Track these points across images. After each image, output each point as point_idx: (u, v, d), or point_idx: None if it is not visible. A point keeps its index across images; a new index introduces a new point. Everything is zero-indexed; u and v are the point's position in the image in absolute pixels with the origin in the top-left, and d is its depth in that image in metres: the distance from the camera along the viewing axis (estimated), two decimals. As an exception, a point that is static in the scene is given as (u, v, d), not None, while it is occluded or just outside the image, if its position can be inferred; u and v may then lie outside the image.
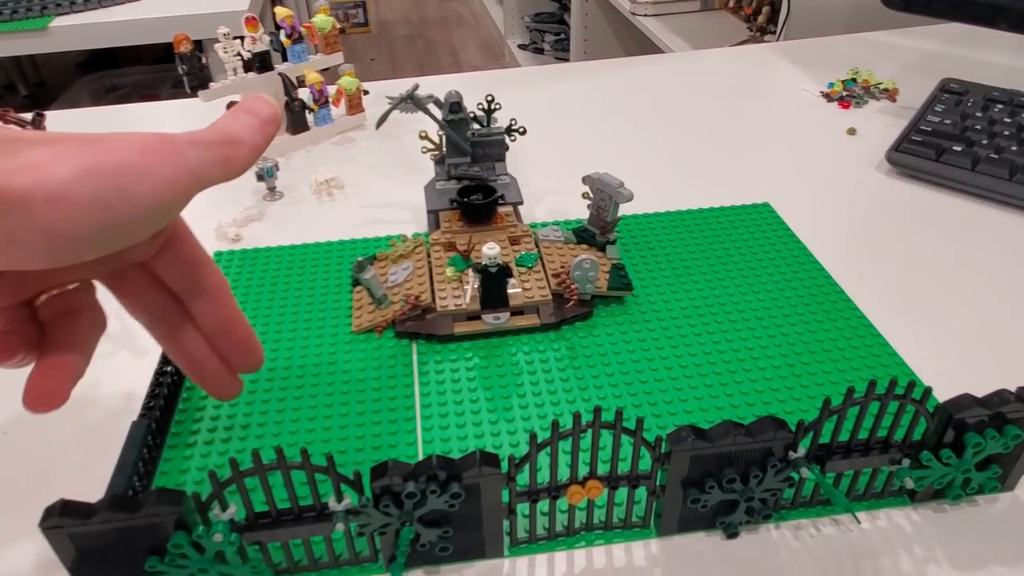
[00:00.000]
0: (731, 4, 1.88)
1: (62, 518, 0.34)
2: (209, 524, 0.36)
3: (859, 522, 0.42)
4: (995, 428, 0.39)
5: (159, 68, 1.75)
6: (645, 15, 1.87)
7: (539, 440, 0.36)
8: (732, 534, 0.41)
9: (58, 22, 1.26)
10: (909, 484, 0.40)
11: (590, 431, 0.37)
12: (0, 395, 0.52)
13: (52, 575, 0.40)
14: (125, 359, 0.55)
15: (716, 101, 0.92)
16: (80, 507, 0.35)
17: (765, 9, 1.72)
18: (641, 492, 0.40)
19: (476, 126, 0.64)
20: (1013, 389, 0.39)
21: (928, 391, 0.38)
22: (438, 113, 0.61)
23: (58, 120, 0.89)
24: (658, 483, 0.39)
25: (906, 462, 0.40)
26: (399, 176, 0.77)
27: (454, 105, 0.61)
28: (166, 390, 0.49)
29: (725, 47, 1.08)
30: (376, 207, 0.72)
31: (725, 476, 0.38)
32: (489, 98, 0.64)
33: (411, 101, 0.59)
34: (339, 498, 0.37)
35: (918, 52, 1.03)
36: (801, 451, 0.39)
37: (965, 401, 0.39)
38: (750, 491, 0.39)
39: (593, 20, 2.40)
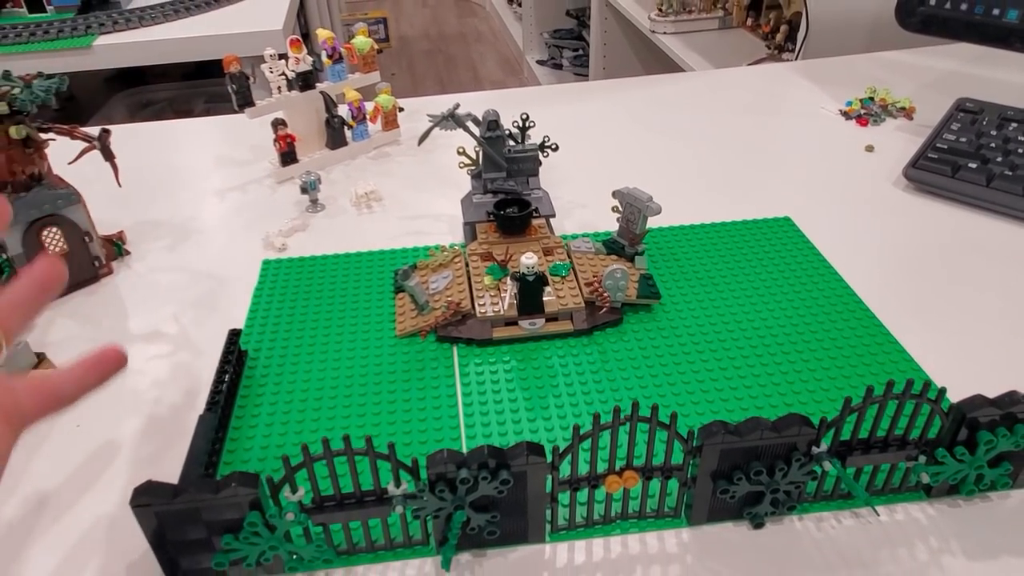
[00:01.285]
0: (749, 23, 1.92)
1: (150, 496, 0.38)
2: (280, 505, 0.39)
3: (878, 515, 0.44)
4: (1006, 427, 0.42)
5: (192, 84, 1.81)
6: (664, 33, 1.91)
7: (581, 432, 0.40)
8: (758, 524, 0.44)
9: (101, 41, 1.32)
10: (925, 479, 0.43)
11: (627, 424, 0.40)
12: (73, 391, 0.56)
13: (134, 550, 0.44)
14: (185, 360, 0.59)
15: (737, 118, 0.95)
16: (166, 487, 0.38)
17: (783, 28, 1.75)
18: (673, 483, 0.43)
19: (511, 143, 0.68)
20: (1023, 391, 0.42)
21: (942, 391, 0.41)
22: (476, 130, 0.65)
23: (119, 136, 0.94)
24: (689, 475, 0.42)
25: (922, 458, 0.43)
26: (434, 189, 0.81)
27: (492, 123, 0.64)
28: (226, 387, 0.53)
29: (744, 65, 1.11)
30: (413, 219, 0.76)
31: (752, 468, 0.41)
32: (524, 116, 0.68)
33: (452, 119, 0.63)
34: (398, 484, 0.40)
35: (935, 71, 1.06)
36: (824, 446, 0.42)
37: (978, 401, 0.41)
38: (775, 483, 0.42)
39: (612, 37, 2.44)
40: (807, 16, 1.22)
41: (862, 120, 0.93)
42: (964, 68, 1.07)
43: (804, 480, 0.42)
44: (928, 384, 0.40)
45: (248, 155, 0.90)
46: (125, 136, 0.97)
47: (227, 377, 0.53)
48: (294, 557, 0.41)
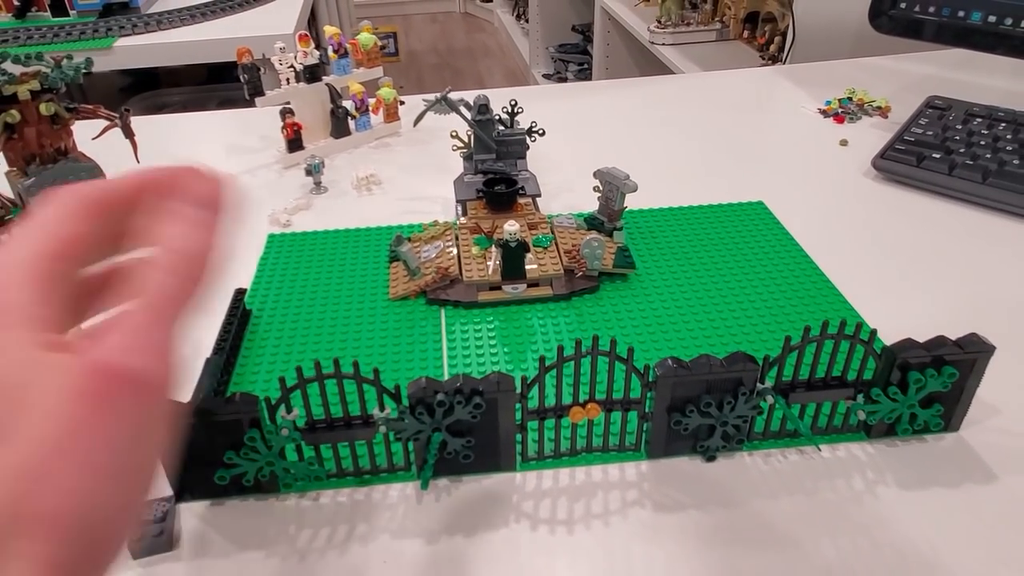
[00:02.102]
0: (745, 35, 1.98)
1: (162, 412, 0.42)
2: (277, 424, 0.44)
3: (820, 450, 0.49)
4: (934, 368, 0.46)
5: (205, 88, 1.88)
6: (663, 44, 1.97)
7: (547, 363, 0.44)
8: (710, 457, 0.48)
9: (121, 42, 1.38)
10: (862, 416, 0.47)
11: (589, 357, 0.45)
12: (91, 341, 0.61)
13: (142, 475, 0.48)
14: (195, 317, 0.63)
15: (721, 115, 1.00)
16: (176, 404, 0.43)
17: (777, 39, 1.81)
18: (633, 417, 0.48)
19: (501, 127, 0.73)
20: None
21: (874, 333, 0.45)
22: (468, 114, 0.70)
23: (139, 128, 0.99)
24: (647, 408, 0.47)
25: (860, 398, 0.47)
26: (430, 175, 0.86)
27: (482, 107, 0.70)
28: (231, 336, 0.57)
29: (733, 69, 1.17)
30: (410, 200, 0.81)
31: (703, 402, 0.45)
32: (512, 102, 0.73)
33: (444, 102, 0.68)
34: (381, 408, 0.45)
35: (914, 75, 1.11)
36: (768, 384, 0.46)
37: (907, 344, 0.46)
38: (724, 416, 0.46)
39: (614, 50, 2.51)
40: (794, 23, 1.27)
41: (839, 118, 0.98)
42: (941, 72, 1.12)
43: (751, 414, 0.47)
44: (860, 325, 0.45)
45: (258, 144, 0.95)
46: (144, 126, 1.03)
47: (232, 327, 0.58)
48: (288, 474, 0.45)
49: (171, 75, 2.32)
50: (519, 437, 0.47)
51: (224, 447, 0.44)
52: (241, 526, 0.45)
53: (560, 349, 0.44)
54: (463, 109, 0.70)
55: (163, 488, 0.46)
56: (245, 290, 0.62)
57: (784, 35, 1.81)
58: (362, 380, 0.44)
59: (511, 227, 0.60)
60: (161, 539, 0.43)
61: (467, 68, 4.01)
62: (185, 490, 0.46)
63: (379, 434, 0.46)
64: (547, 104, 1.05)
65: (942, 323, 0.60)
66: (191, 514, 0.46)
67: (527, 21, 3.87)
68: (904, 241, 0.71)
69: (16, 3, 1.51)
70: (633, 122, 1.00)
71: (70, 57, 0.67)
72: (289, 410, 0.44)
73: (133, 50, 1.38)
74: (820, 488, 0.46)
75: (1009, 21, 0.84)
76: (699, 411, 0.46)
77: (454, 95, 0.70)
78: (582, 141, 0.94)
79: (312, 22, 2.05)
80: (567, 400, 0.46)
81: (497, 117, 0.72)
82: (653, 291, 0.64)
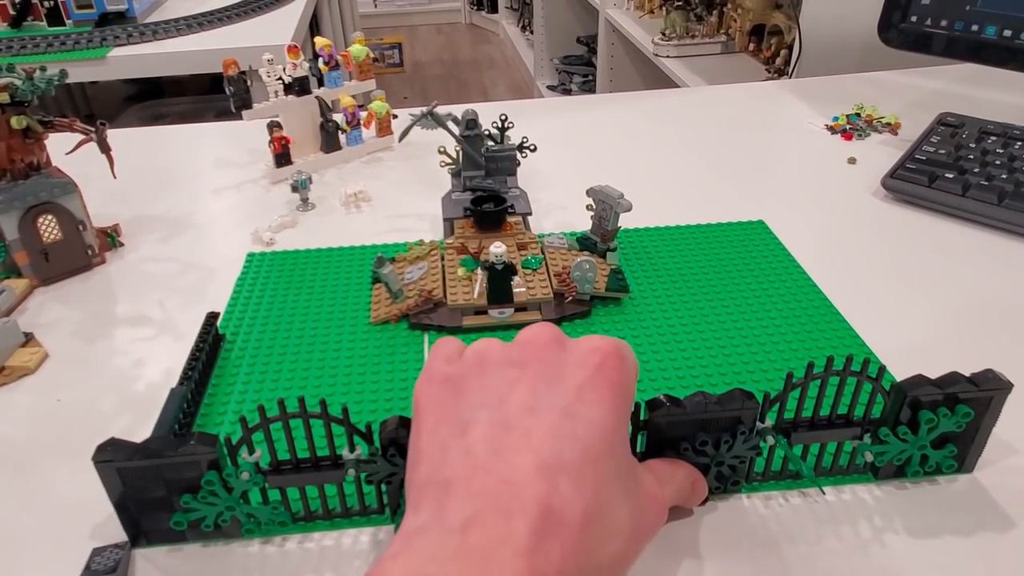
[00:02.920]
0: (751, 47, 1.95)
1: (113, 452, 0.39)
2: (238, 466, 0.41)
3: (824, 493, 0.45)
4: (947, 407, 0.42)
5: (203, 99, 1.87)
6: (667, 56, 1.94)
7: (529, 401, 0.41)
8: (704, 499, 0.45)
9: (115, 52, 1.36)
10: (869, 458, 0.44)
11: (574, 395, 0.41)
12: (55, 367, 0.58)
13: (98, 513, 0.45)
14: (166, 342, 0.61)
15: (724, 130, 0.97)
16: (129, 445, 0.40)
17: (783, 52, 1.78)
18: (622, 457, 0.44)
19: (491, 143, 0.70)
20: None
21: (882, 369, 0.42)
22: (455, 129, 0.67)
23: (116, 137, 0.97)
24: (638, 448, 0.43)
25: (867, 438, 0.44)
26: (421, 192, 0.83)
27: (470, 122, 0.67)
28: (201, 365, 0.54)
29: (737, 83, 1.14)
30: (399, 217, 0.78)
31: (698, 439, 0.42)
32: (503, 117, 0.70)
33: (431, 117, 0.65)
34: (351, 448, 0.42)
35: (924, 90, 1.08)
36: (768, 423, 0.43)
37: (918, 380, 0.42)
38: (720, 456, 0.43)
39: (618, 62, 2.48)
40: (800, 37, 1.24)
41: (847, 135, 0.95)
42: (951, 88, 1.09)
43: (749, 455, 0.43)
44: (868, 361, 0.42)
45: (246, 158, 0.93)
46: (131, 139, 1.01)
47: (202, 355, 0.55)
48: (251, 519, 0.42)
49: (175, 85, 2.31)
50: (500, 478, 0.44)
51: (181, 490, 0.41)
52: (199, 574, 0.42)
53: (542, 386, 0.41)
54: (451, 124, 0.67)
55: (117, 534, 0.43)
56: (218, 314, 0.59)
57: (790, 48, 1.78)
58: (330, 419, 0.40)
59: (497, 249, 0.57)
60: (111, 589, 0.40)
61: (472, 79, 3.99)
62: (140, 535, 0.43)
63: (349, 476, 0.42)
64: (545, 118, 1.03)
65: (954, 354, 0.56)
66: (146, 561, 0.43)
67: (532, 33, 3.86)
68: (914, 265, 0.68)
69: (12, 12, 1.49)
70: (632, 137, 0.97)
71: (43, 68, 0.64)
72: (251, 451, 0.41)
73: (128, 60, 1.36)
74: (824, 535, 0.43)
75: None
76: (694, 449, 0.42)
77: (442, 110, 0.67)
78: (579, 156, 0.91)
79: (314, 33, 2.04)
80: (551, 439, 0.43)
81: (487, 132, 0.70)
82: (648, 316, 0.61)
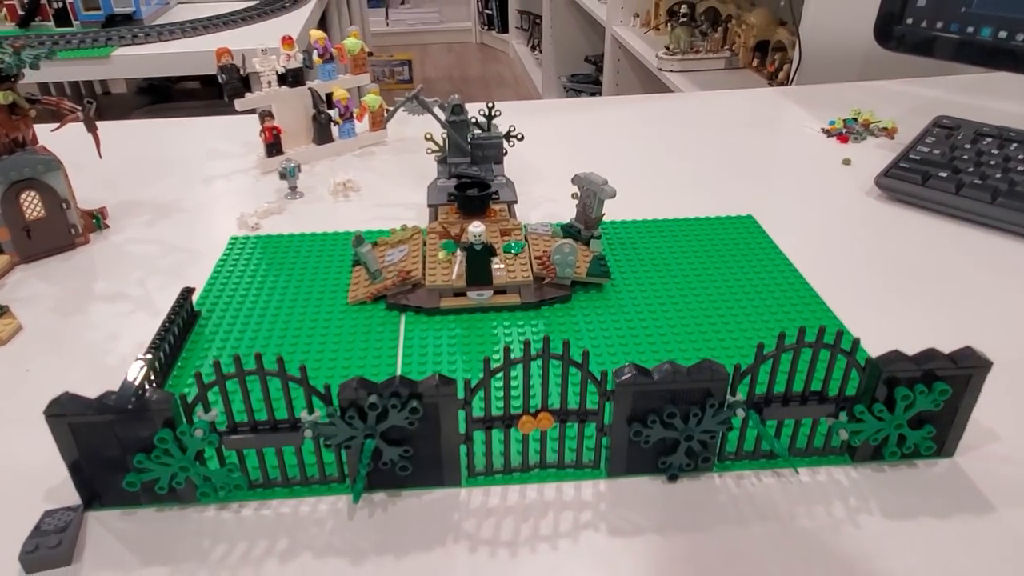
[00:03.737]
0: (755, 63, 1.95)
1: (65, 407, 0.39)
2: (192, 423, 0.40)
3: (798, 473, 0.44)
4: (924, 384, 0.41)
5: (210, 103, 1.88)
6: (671, 71, 1.94)
7: (492, 366, 0.40)
8: (672, 476, 0.43)
9: (119, 52, 1.38)
10: (844, 436, 0.43)
11: (540, 362, 0.40)
12: (28, 339, 0.58)
13: (54, 477, 0.44)
14: (141, 318, 0.60)
15: (719, 132, 0.97)
16: (83, 400, 0.39)
17: (786, 67, 1.78)
18: (591, 430, 0.43)
19: (477, 131, 0.70)
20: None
21: (856, 342, 0.41)
22: (441, 115, 0.67)
23: (114, 129, 0.98)
24: (605, 420, 0.42)
25: (843, 416, 0.43)
26: (411, 184, 0.83)
27: (456, 108, 0.67)
28: (173, 337, 0.54)
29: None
30: (386, 206, 0.78)
31: (666, 411, 0.41)
32: (490, 105, 0.70)
33: (416, 101, 0.65)
34: (310, 411, 0.41)
35: (922, 98, 1.07)
36: (739, 396, 0.42)
37: (894, 356, 0.41)
38: (690, 430, 0.41)
39: (624, 78, 2.49)
40: (800, 46, 1.24)
41: (843, 137, 0.94)
42: (950, 96, 1.08)
43: (719, 430, 0.42)
44: (841, 333, 0.40)
45: (240, 150, 0.93)
46: (128, 130, 1.02)
47: (173, 327, 0.54)
48: (206, 482, 0.41)
49: (186, 96, 2.33)
50: (464, 449, 0.43)
51: (135, 449, 0.40)
52: (151, 538, 0.41)
53: (507, 350, 0.40)
54: (436, 110, 0.67)
55: (73, 497, 0.42)
56: (193, 289, 0.58)
57: (790, 73, 1.78)
58: (288, 379, 0.40)
59: (475, 228, 0.56)
60: (58, 551, 0.39)
61: (480, 96, 4.02)
62: (95, 497, 0.42)
63: (309, 440, 0.41)
64: (545, 118, 1.02)
65: (939, 344, 0.55)
66: (99, 524, 0.42)
67: (541, 51, 3.89)
68: (905, 261, 0.67)
69: (20, 12, 1.51)
70: (629, 137, 0.96)
71: (32, 45, 0.65)
72: (207, 409, 0.40)
73: (131, 59, 1.38)
74: (796, 514, 0.42)
75: (1021, 37, 0.80)
76: (662, 422, 0.41)
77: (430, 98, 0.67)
78: (575, 154, 0.91)
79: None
80: (517, 408, 0.42)
81: (474, 120, 0.69)
82: (629, 302, 0.60)
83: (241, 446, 0.41)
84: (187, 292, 0.58)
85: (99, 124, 0.74)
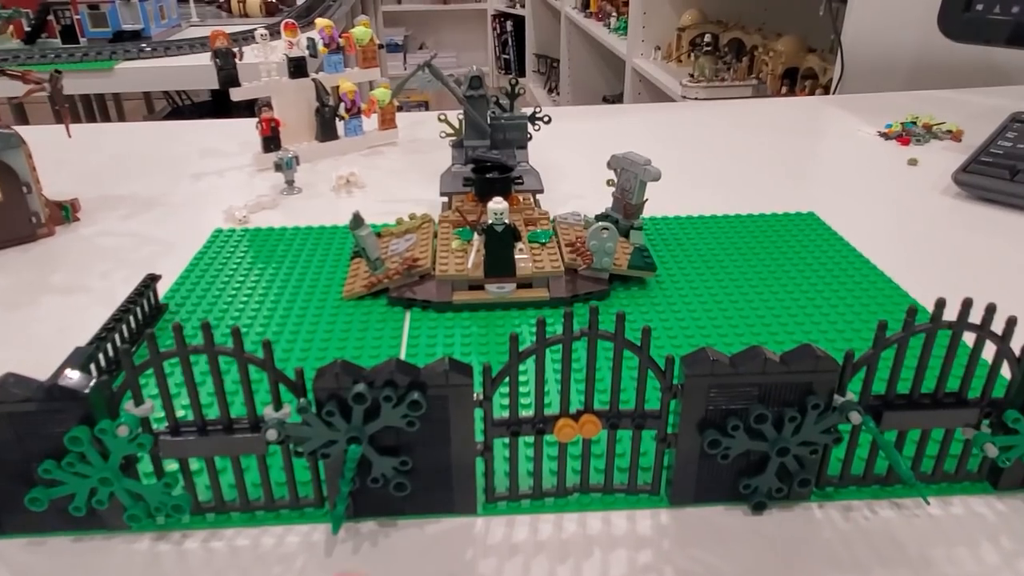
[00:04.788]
0: (784, 91, 1.87)
1: (-53, 393, 0.29)
2: (117, 417, 0.30)
3: (928, 503, 0.33)
4: (1103, 382, 0.31)
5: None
6: (696, 98, 1.87)
7: (522, 347, 0.30)
8: (759, 504, 0.33)
9: (123, 65, 1.32)
10: (992, 452, 0.32)
11: (586, 345, 0.30)
12: (-45, 330, 0.48)
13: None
14: (97, 312, 0.50)
15: (766, 136, 0.88)
16: (-29, 384, 0.29)
17: (818, 92, 1.70)
18: (649, 439, 0.33)
19: (498, 110, 0.61)
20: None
21: (1013, 321, 0.30)
22: (458, 89, 0.58)
23: (113, 131, 0.90)
24: (669, 427, 0.32)
25: (986, 426, 0.32)
26: (420, 181, 0.74)
27: (474, 80, 0.58)
28: (127, 329, 0.44)
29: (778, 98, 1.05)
30: (392, 202, 0.68)
31: (753, 415, 0.30)
32: (513, 82, 0.61)
33: (428, 70, 0.56)
34: (277, 406, 0.31)
35: (983, 106, 0.98)
36: (850, 395, 0.31)
37: (1061, 344, 0.31)
38: (784, 440, 0.31)
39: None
40: (842, 55, 1.16)
41: (903, 139, 0.85)
42: (1015, 104, 0.98)
43: (823, 441, 0.31)
44: (993, 309, 0.30)
45: (236, 149, 0.84)
46: (122, 131, 0.94)
47: (131, 319, 0.44)
48: (137, 502, 0.31)
49: (197, 109, 2.29)
50: (481, 463, 0.32)
51: (42, 456, 0.30)
52: (60, 575, 0.30)
53: (541, 323, 0.30)
54: (452, 83, 0.58)
55: (-33, 517, 0.32)
56: (158, 277, 0.49)
57: (826, 89, 1.70)
58: (246, 359, 0.30)
59: (497, 205, 0.46)
60: (-71, 588, 0.29)
61: (497, 137, 3.98)
62: (-6, 519, 0.32)
63: (276, 448, 0.31)
64: (577, 122, 0.94)
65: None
66: (-4, 555, 0.31)
67: (558, 94, 3.86)
68: (996, 258, 0.56)
69: (27, 29, 1.47)
70: (665, 140, 0.87)
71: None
72: (138, 402, 0.30)
73: (134, 72, 1.32)
74: (933, 559, 0.30)
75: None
76: (746, 430, 0.31)
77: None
78: (604, 155, 0.82)
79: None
80: (553, 409, 0.32)
81: (495, 99, 0.60)
82: (679, 299, 0.50)
83: (184, 453, 0.31)
84: (150, 279, 0.48)
85: (89, 125, 0.66)
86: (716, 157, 0.81)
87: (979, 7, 0.77)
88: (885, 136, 0.86)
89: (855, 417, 0.30)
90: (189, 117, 1.87)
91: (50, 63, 1.31)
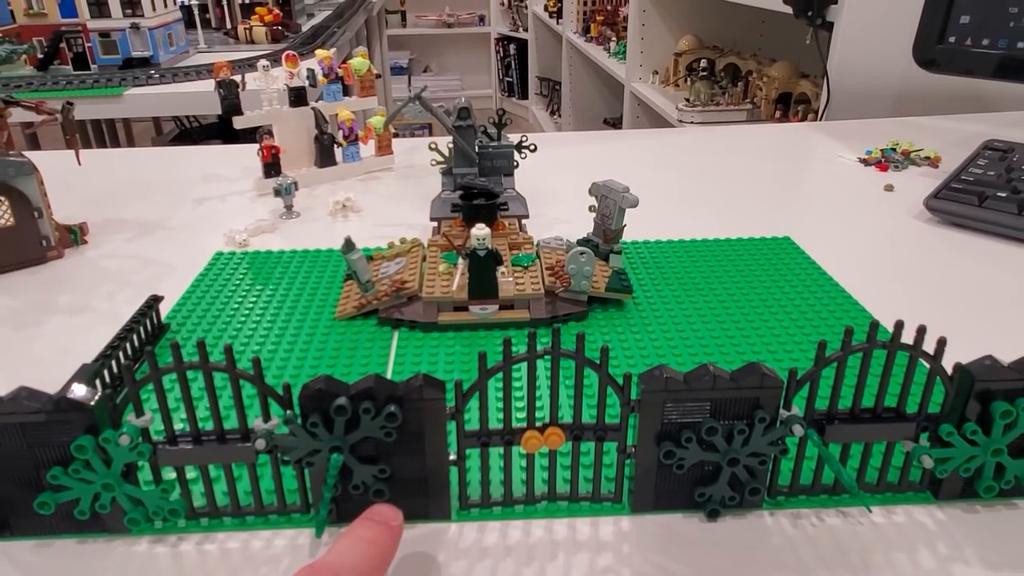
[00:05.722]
0: (777, 115, 1.91)
1: (-35, 405, 0.32)
2: (120, 427, 0.32)
3: (870, 511, 0.35)
4: (1028, 399, 0.33)
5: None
6: (692, 122, 1.91)
7: (489, 365, 0.33)
8: (713, 512, 0.35)
9: (132, 92, 1.36)
10: (928, 464, 0.34)
11: (549, 364, 0.33)
12: (-31, 347, 0.51)
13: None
14: (102, 331, 0.53)
15: (748, 161, 0.90)
16: (-13, 397, 0.32)
17: (811, 116, 1.74)
18: (611, 451, 0.35)
19: (486, 139, 0.64)
20: (1048, 353, 0.33)
21: (943, 343, 0.33)
22: (447, 119, 0.62)
23: (109, 155, 0.94)
24: (629, 439, 0.34)
25: (924, 439, 0.34)
26: (413, 206, 0.76)
27: (462, 111, 0.61)
28: (131, 347, 0.47)
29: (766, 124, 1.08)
30: (387, 226, 0.71)
31: (705, 426, 0.33)
32: (500, 111, 0.64)
33: (419, 102, 0.60)
34: (266, 418, 0.33)
35: (963, 132, 1.01)
36: (796, 410, 0.34)
37: (990, 364, 0.33)
38: (734, 451, 0.33)
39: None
40: (828, 83, 1.19)
41: (882, 166, 0.87)
42: (993, 131, 1.01)
43: (771, 452, 0.34)
44: (923, 331, 0.33)
45: (237, 174, 0.88)
46: (128, 157, 0.98)
47: (134, 338, 0.47)
48: (137, 507, 0.34)
49: (205, 131, 2.34)
50: (455, 472, 0.35)
51: (50, 463, 0.33)
52: (65, 575, 0.33)
53: (507, 342, 0.32)
54: (441, 113, 0.61)
55: (-20, 521, 0.34)
56: (161, 298, 0.52)
57: (818, 113, 1.74)
58: (238, 374, 0.32)
59: (479, 231, 0.49)
60: (-55, 584, 0.31)
61: (499, 159, 4.03)
62: (3, 524, 0.34)
63: (265, 459, 0.34)
64: (562, 147, 0.97)
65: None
66: (4, 557, 0.34)
67: (560, 116, 3.91)
68: (964, 282, 0.59)
69: (39, 56, 1.51)
70: (651, 165, 0.90)
71: (11, 41, 0.60)
72: (139, 413, 0.33)
73: (143, 98, 1.36)
74: (873, 563, 0.33)
75: (1074, 56, 0.74)
76: (699, 442, 0.33)
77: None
78: (591, 179, 0.85)
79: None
80: (521, 424, 0.34)
81: (482, 128, 0.63)
82: (654, 321, 0.52)
83: (181, 461, 0.33)
84: (153, 300, 0.51)
85: (98, 151, 0.69)
86: (701, 182, 0.84)
87: (952, 39, 0.81)
88: (865, 162, 0.89)
89: (798, 430, 0.33)
90: (197, 139, 1.92)
91: (62, 89, 1.36)
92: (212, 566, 0.33)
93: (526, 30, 4.56)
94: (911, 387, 0.34)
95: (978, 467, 0.34)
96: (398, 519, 0.31)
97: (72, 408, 0.31)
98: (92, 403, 0.31)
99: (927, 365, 0.33)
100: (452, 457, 0.34)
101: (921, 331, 0.33)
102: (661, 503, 0.35)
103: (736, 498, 0.35)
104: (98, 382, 0.42)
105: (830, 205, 0.76)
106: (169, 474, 0.34)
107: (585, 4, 3.35)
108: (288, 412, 0.32)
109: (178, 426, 0.34)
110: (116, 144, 2.30)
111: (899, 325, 0.32)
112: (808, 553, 0.33)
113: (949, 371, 0.34)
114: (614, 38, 2.85)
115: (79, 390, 0.32)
